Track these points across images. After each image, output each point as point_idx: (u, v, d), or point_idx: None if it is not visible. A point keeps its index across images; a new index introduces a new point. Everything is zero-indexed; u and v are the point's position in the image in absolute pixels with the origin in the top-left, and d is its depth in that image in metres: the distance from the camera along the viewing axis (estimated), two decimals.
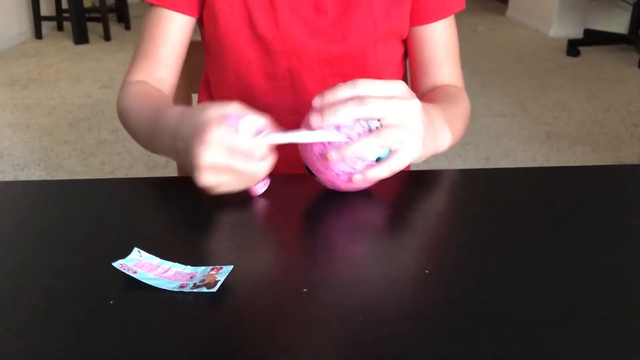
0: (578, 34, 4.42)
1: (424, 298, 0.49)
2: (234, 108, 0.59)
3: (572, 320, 0.46)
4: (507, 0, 5.44)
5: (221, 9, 0.82)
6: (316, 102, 0.58)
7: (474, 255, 0.55)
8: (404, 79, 0.97)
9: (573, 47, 4.09)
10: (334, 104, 0.58)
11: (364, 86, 0.58)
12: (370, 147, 0.58)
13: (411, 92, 0.61)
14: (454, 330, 0.45)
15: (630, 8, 4.11)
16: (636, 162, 2.55)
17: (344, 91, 0.58)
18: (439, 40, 0.86)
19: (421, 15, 0.84)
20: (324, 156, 0.59)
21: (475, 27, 4.99)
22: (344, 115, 0.57)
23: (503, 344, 0.43)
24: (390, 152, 0.59)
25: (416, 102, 0.60)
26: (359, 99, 0.57)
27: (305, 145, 0.61)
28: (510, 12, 5.33)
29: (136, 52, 0.87)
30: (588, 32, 4.34)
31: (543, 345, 0.43)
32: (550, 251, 0.55)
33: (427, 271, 0.52)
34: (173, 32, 0.85)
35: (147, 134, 0.74)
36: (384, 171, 0.59)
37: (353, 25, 0.82)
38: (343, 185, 0.61)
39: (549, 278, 0.51)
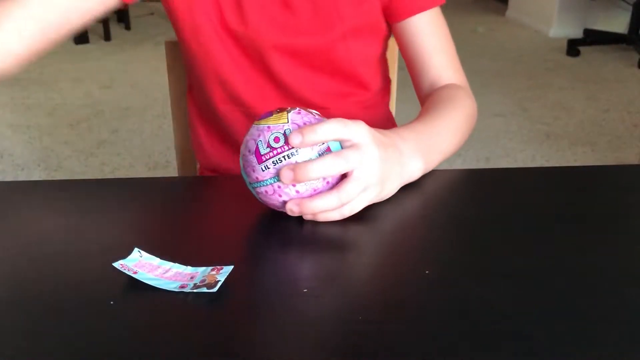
0: (578, 34, 4.41)
1: (424, 298, 0.49)
2: None
3: (572, 320, 0.46)
4: (507, 0, 5.44)
5: (195, 7, 0.82)
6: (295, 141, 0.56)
7: (474, 256, 0.55)
8: (383, 77, 0.96)
9: (573, 47, 4.09)
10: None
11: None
12: (338, 198, 0.57)
13: (372, 135, 0.58)
14: (454, 330, 0.45)
15: (630, 8, 4.11)
16: (636, 162, 2.55)
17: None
18: (425, 32, 0.85)
19: (401, 9, 0.84)
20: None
21: (475, 27, 4.98)
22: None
23: (503, 344, 0.43)
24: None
25: (371, 155, 0.58)
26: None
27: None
28: (510, 12, 5.33)
29: None
30: (588, 32, 4.33)
31: (543, 345, 0.43)
32: (550, 251, 0.55)
33: (427, 271, 0.52)
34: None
35: None
36: (334, 215, 0.58)
37: (319, 20, 0.83)
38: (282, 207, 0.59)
39: (549, 278, 0.51)
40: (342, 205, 0.58)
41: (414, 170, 0.66)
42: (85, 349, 0.43)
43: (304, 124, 0.57)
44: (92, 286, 0.50)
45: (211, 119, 0.94)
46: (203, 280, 0.49)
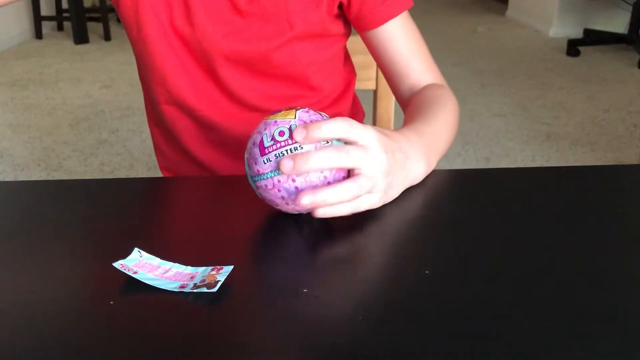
0: (578, 34, 4.42)
1: (424, 298, 0.49)
2: None
3: (572, 321, 0.46)
4: (507, 0, 5.44)
5: (141, 5, 0.81)
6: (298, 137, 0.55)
7: (474, 256, 0.55)
8: (340, 75, 0.95)
9: (573, 47, 4.09)
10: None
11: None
12: (345, 192, 0.55)
13: (380, 141, 0.58)
14: (454, 330, 0.45)
15: (630, 8, 4.11)
16: (636, 162, 2.55)
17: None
18: (398, 38, 0.83)
19: (369, 18, 0.82)
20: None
21: (475, 27, 4.98)
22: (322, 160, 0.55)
23: (503, 344, 0.43)
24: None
25: (378, 156, 0.57)
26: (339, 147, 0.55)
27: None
28: (510, 12, 5.33)
29: None
30: (588, 32, 4.34)
31: (543, 345, 0.43)
32: (550, 251, 0.55)
33: (427, 271, 0.52)
34: None
35: None
36: (344, 209, 0.57)
37: (268, 27, 0.81)
38: (284, 207, 0.59)
39: (549, 278, 0.51)
40: (357, 197, 0.56)
41: (418, 174, 0.66)
42: (85, 349, 0.43)
43: (311, 122, 0.57)
44: (92, 286, 0.50)
45: (160, 119, 0.94)
46: (203, 280, 0.49)
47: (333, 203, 0.55)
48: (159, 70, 0.85)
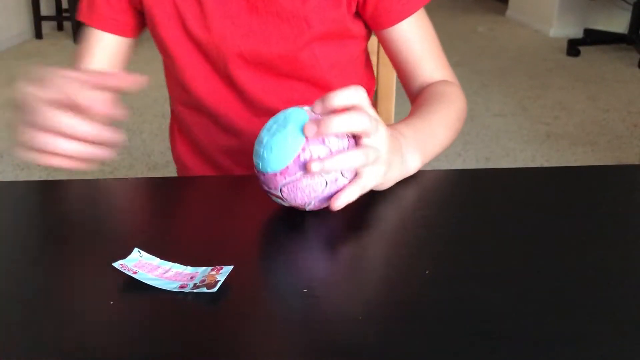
0: (578, 34, 4.41)
1: (424, 298, 0.49)
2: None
3: (572, 320, 0.46)
4: (507, 0, 5.44)
5: (158, 17, 0.82)
6: (317, 108, 0.56)
7: (474, 256, 0.55)
8: (361, 78, 0.95)
9: (573, 47, 4.09)
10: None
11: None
12: (354, 159, 0.56)
13: (378, 120, 0.59)
14: (454, 331, 0.45)
15: (630, 8, 4.11)
16: (636, 162, 2.55)
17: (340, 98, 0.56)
18: (411, 38, 0.83)
19: (384, 17, 0.82)
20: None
21: (475, 27, 4.98)
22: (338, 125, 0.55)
23: (503, 344, 0.43)
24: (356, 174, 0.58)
25: (383, 130, 0.58)
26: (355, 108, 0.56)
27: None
28: (510, 12, 5.33)
29: None
30: (588, 32, 4.33)
31: (543, 345, 0.43)
32: (550, 251, 0.55)
33: (427, 271, 0.52)
34: (99, 51, 0.86)
35: None
36: (355, 191, 0.57)
37: (286, 28, 0.81)
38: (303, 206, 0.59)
39: (549, 278, 0.51)
40: (366, 165, 0.57)
41: (411, 166, 0.67)
42: (85, 349, 0.43)
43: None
44: (92, 286, 0.50)
45: (178, 118, 0.95)
46: (203, 280, 0.49)
47: (344, 167, 0.56)
48: (179, 74, 0.86)
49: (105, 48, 0.86)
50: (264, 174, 0.57)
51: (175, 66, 0.85)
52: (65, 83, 0.55)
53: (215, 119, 0.88)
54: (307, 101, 0.87)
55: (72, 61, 0.87)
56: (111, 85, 0.57)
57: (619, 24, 4.38)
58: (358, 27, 0.86)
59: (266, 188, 0.58)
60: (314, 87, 0.88)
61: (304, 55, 0.83)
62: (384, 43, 0.86)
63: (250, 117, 0.88)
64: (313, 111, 0.56)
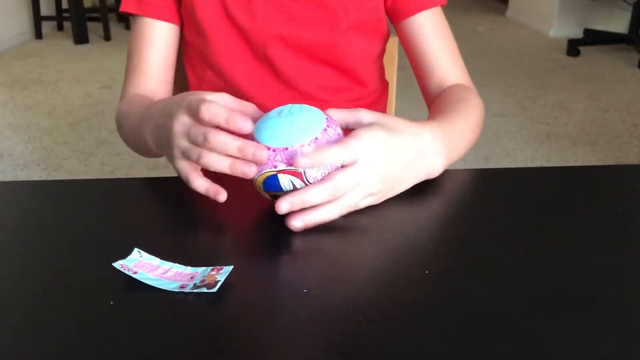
0: (578, 34, 4.41)
1: (424, 298, 0.49)
2: (215, 96, 0.60)
3: (572, 321, 0.46)
4: (507, 0, 5.44)
5: (199, 5, 0.83)
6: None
7: (474, 256, 0.55)
8: (380, 78, 0.98)
9: (573, 47, 4.09)
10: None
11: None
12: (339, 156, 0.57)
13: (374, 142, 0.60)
14: (453, 331, 0.45)
15: (630, 8, 4.11)
16: (636, 162, 2.55)
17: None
18: (429, 32, 0.87)
19: (401, 8, 0.87)
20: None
21: (475, 27, 4.98)
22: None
23: (503, 344, 0.43)
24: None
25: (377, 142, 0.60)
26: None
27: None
28: (510, 12, 5.33)
29: (127, 66, 0.88)
30: (588, 32, 4.33)
31: (543, 346, 0.43)
32: (550, 251, 0.55)
33: (427, 271, 0.52)
34: (157, 41, 0.86)
35: (137, 134, 0.74)
36: (334, 211, 0.58)
37: (324, 13, 0.84)
38: None
39: (549, 278, 0.51)
40: (336, 198, 0.57)
41: (436, 167, 0.67)
42: (85, 348, 0.43)
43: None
44: (92, 286, 0.50)
45: None
46: (203, 281, 0.49)
47: (314, 203, 0.57)
48: (214, 55, 0.87)
49: (162, 37, 0.86)
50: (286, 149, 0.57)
51: (210, 48, 0.86)
52: (219, 111, 0.57)
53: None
54: (336, 89, 0.91)
55: (128, 55, 0.86)
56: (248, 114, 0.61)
57: (619, 24, 4.38)
58: (384, 22, 0.90)
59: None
60: (344, 76, 0.90)
61: (341, 43, 0.86)
62: (402, 37, 0.90)
63: (282, 99, 0.89)
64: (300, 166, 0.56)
